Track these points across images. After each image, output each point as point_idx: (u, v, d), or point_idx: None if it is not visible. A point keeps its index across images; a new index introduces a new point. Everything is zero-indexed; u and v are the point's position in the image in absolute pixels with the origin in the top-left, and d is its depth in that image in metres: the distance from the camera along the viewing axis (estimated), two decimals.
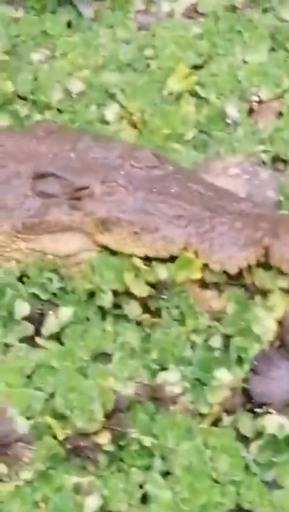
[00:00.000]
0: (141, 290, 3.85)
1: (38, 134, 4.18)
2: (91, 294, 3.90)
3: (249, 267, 3.81)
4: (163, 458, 3.58)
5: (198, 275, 3.85)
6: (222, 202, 3.89)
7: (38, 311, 3.87)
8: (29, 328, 3.84)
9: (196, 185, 3.97)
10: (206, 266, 3.83)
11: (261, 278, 3.84)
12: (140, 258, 3.89)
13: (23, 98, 4.71)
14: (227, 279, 3.87)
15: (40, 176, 3.94)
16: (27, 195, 3.94)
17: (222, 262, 3.78)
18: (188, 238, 3.81)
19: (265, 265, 3.82)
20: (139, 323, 3.89)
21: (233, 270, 3.79)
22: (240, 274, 3.85)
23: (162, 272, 3.86)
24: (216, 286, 3.87)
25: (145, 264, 3.88)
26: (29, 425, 3.52)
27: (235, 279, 3.86)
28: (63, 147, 4.09)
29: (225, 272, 3.83)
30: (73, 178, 3.94)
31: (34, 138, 4.16)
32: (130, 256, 3.89)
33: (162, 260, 3.88)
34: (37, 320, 3.87)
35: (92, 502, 3.40)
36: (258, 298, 3.89)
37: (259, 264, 3.82)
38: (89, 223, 3.90)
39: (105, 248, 3.93)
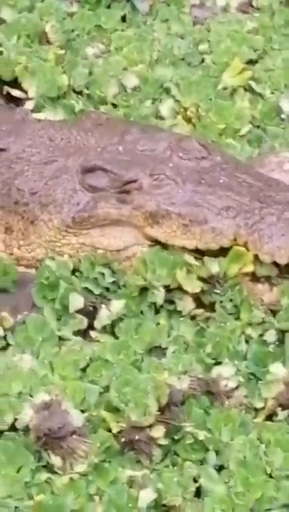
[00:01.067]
0: (193, 286, 3.85)
1: (86, 126, 4.21)
2: (143, 290, 3.90)
3: None
4: (217, 452, 3.58)
5: (250, 268, 3.86)
6: (271, 192, 3.90)
7: (91, 305, 3.86)
8: (83, 322, 3.84)
9: (245, 175, 3.98)
10: (256, 258, 3.82)
11: None
12: (191, 251, 3.89)
13: (78, 92, 4.72)
14: (278, 272, 3.85)
15: (89, 170, 3.95)
16: (76, 189, 3.95)
17: (272, 253, 3.78)
18: (238, 229, 3.82)
19: None
20: (193, 318, 3.88)
21: (283, 261, 3.79)
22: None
23: (214, 266, 3.85)
24: (268, 279, 3.86)
25: (196, 259, 3.87)
26: (84, 418, 3.51)
27: (286, 272, 3.83)
28: (111, 140, 4.10)
29: (276, 264, 3.81)
30: (121, 171, 3.95)
31: (82, 130, 4.18)
32: (181, 250, 3.89)
33: (214, 254, 3.87)
34: (90, 314, 3.86)
35: (147, 495, 3.39)
36: None
37: None
38: (138, 217, 3.91)
39: (156, 242, 3.93)
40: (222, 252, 3.86)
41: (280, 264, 3.81)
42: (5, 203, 4.01)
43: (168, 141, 4.05)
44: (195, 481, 3.50)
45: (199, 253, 3.89)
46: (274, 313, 3.86)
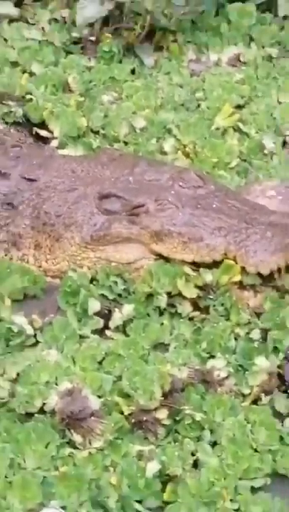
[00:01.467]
0: (191, 293, 3.87)
1: (102, 160, 4.20)
2: (150, 296, 3.91)
3: (279, 270, 3.81)
4: (211, 431, 3.58)
5: (238, 278, 3.86)
6: (255, 215, 3.90)
7: (106, 308, 3.87)
8: (100, 322, 3.84)
9: (234, 201, 3.99)
10: (243, 270, 3.83)
11: (287, 278, 3.85)
12: (189, 263, 3.90)
13: (95, 132, 4.71)
14: (262, 281, 3.86)
15: (104, 197, 3.96)
16: (93, 212, 3.96)
17: (256, 265, 3.79)
18: (228, 246, 3.83)
19: None
20: (191, 319, 3.89)
21: (265, 272, 3.80)
22: (272, 276, 3.85)
23: (208, 276, 3.87)
24: (253, 287, 3.86)
25: (194, 270, 3.88)
26: (100, 403, 3.52)
27: (268, 281, 3.86)
28: (123, 172, 4.08)
29: (260, 275, 3.81)
30: (131, 197, 3.95)
31: (99, 164, 4.16)
32: (181, 262, 3.90)
33: (208, 266, 3.88)
34: (105, 316, 3.87)
35: (153, 467, 3.39)
36: (288, 297, 3.88)
37: (288, 268, 3.83)
38: (145, 235, 3.91)
39: (160, 256, 3.94)
40: (215, 264, 3.87)
41: (263, 275, 3.79)
42: (35, 224, 4.00)
43: (170, 172, 4.05)
44: (193, 454, 3.50)
45: (196, 265, 3.89)
46: (258, 315, 3.87)
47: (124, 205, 3.96)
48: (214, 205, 3.96)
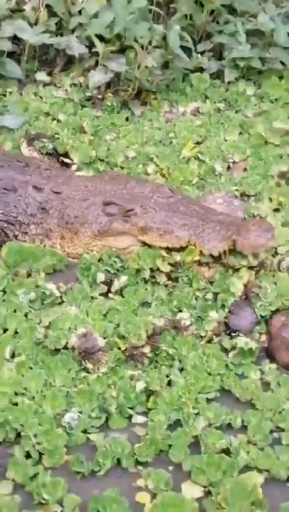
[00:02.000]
0: (166, 268, 3.84)
1: (105, 179, 4.17)
2: (138, 270, 3.86)
3: (224, 252, 3.77)
4: (180, 361, 3.57)
5: (197, 258, 3.83)
6: (208, 215, 3.88)
7: (109, 279, 3.86)
8: (104, 288, 3.82)
9: (194, 206, 3.96)
10: (201, 252, 3.79)
11: (231, 259, 3.81)
12: (164, 248, 3.87)
13: (101, 160, 4.64)
14: (213, 260, 3.83)
15: (107, 204, 3.94)
16: (99, 214, 3.93)
17: (209, 249, 3.76)
18: (190, 237, 3.80)
19: (234, 251, 3.78)
20: (166, 286, 3.86)
21: (215, 254, 3.77)
22: (220, 257, 3.80)
23: (177, 257, 3.85)
24: (207, 264, 3.84)
25: (167, 253, 3.85)
26: (105, 342, 3.50)
27: (217, 260, 3.81)
28: (119, 186, 4.05)
29: (211, 256, 3.79)
30: (125, 204, 3.93)
31: (103, 181, 4.14)
32: (159, 248, 3.87)
33: (177, 250, 3.85)
34: (108, 284, 3.85)
35: (140, 385, 3.40)
36: (231, 271, 3.85)
37: (230, 251, 3.78)
38: (134, 230, 3.89)
39: (144, 244, 3.90)
40: (182, 249, 3.83)
41: (214, 256, 3.78)
42: (60, 222, 3.99)
43: (151, 187, 4.03)
44: (167, 376, 3.49)
45: (169, 250, 3.85)
46: (211, 283, 3.84)
47: (120, 209, 3.93)
48: (181, 209, 3.92)
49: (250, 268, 3.85)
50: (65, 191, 4.06)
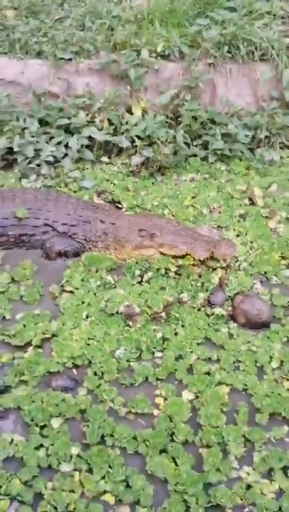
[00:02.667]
0: (173, 268, 3.81)
1: (140, 216, 4.16)
2: (158, 269, 3.81)
3: (207, 258, 3.74)
4: (182, 321, 3.56)
5: (191, 262, 3.80)
6: (198, 237, 3.83)
7: (141, 274, 3.81)
8: (139, 279, 3.78)
9: (190, 231, 3.92)
10: (194, 259, 3.76)
11: (210, 263, 3.79)
12: (173, 256, 3.83)
13: (138, 206, 4.53)
14: (201, 263, 3.80)
15: (140, 230, 3.92)
16: (136, 236, 3.90)
17: (198, 257, 3.72)
18: (187, 249, 3.76)
19: (212, 258, 3.75)
20: (174, 278, 3.81)
21: (202, 259, 3.73)
22: (204, 261, 3.77)
23: (180, 261, 3.82)
24: (197, 265, 3.81)
25: (174, 260, 3.83)
26: (139, 310, 3.50)
27: (203, 263, 3.78)
28: (147, 220, 4.03)
29: (200, 260, 3.75)
30: (150, 230, 3.91)
31: (139, 217, 4.11)
32: (169, 256, 3.84)
33: (180, 257, 3.82)
34: (141, 276, 3.80)
35: (159, 334, 3.44)
36: (211, 270, 3.82)
37: (210, 258, 3.75)
38: (156, 245, 3.85)
39: (161, 253, 3.86)
40: (183, 257, 3.81)
41: (201, 260, 3.76)
42: (114, 241, 3.97)
43: (166, 220, 4.05)
44: (174, 330, 3.50)
45: (176, 257, 3.82)
46: (200, 276, 3.80)
47: (147, 233, 3.89)
48: (182, 233, 3.87)
49: (222, 268, 3.83)
50: (117, 223, 4.04)
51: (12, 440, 2.87)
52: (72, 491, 2.67)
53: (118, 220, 4.05)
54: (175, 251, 3.82)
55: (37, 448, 2.84)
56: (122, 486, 2.71)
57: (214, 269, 3.81)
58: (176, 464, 2.81)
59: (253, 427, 3.04)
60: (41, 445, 2.86)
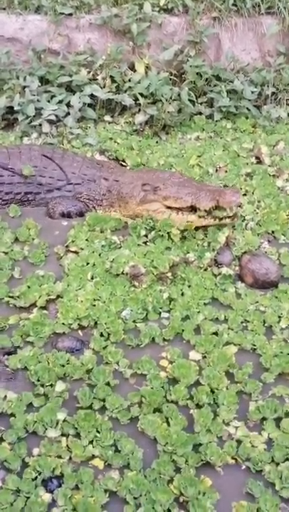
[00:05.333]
0: (176, 232, 3.67)
1: (143, 171, 4.03)
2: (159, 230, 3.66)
3: (212, 208, 3.61)
4: (188, 281, 3.45)
5: (194, 227, 3.70)
6: (202, 187, 3.72)
7: (146, 234, 3.67)
8: (145, 239, 3.65)
9: (194, 182, 3.82)
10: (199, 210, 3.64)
11: (216, 213, 3.62)
12: (177, 209, 3.69)
13: (143, 165, 4.37)
14: (207, 214, 3.64)
15: (144, 185, 3.77)
16: (140, 191, 3.75)
17: (204, 206, 3.59)
18: (192, 200, 3.62)
19: (218, 207, 3.61)
20: (180, 239, 3.66)
21: (207, 208, 3.60)
22: (210, 211, 3.62)
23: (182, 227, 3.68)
24: (199, 228, 3.70)
25: (182, 214, 3.70)
26: (145, 270, 3.37)
27: (209, 213, 3.63)
28: (150, 174, 3.89)
29: (205, 210, 3.61)
30: (154, 184, 3.75)
31: (142, 172, 3.98)
32: (175, 208, 3.70)
33: (187, 210, 3.69)
34: (147, 235, 3.67)
35: (165, 295, 3.34)
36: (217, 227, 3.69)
37: (216, 207, 3.61)
38: (160, 198, 3.69)
39: (167, 207, 3.70)
40: (192, 209, 3.67)
41: (207, 210, 3.63)
42: (118, 198, 3.86)
43: (169, 173, 3.94)
44: (181, 290, 3.40)
45: (181, 210, 3.69)
46: (206, 236, 3.69)
47: (151, 187, 3.74)
48: (186, 184, 3.73)
49: (229, 217, 3.64)
50: (121, 179, 3.89)
51: (5, 397, 2.79)
52: (60, 457, 2.57)
53: (121, 177, 3.92)
54: (180, 203, 3.66)
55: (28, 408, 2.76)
56: (110, 451, 2.60)
57: (221, 219, 3.64)
58: (169, 425, 2.70)
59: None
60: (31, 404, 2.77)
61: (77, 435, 2.66)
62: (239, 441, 2.69)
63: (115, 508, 2.43)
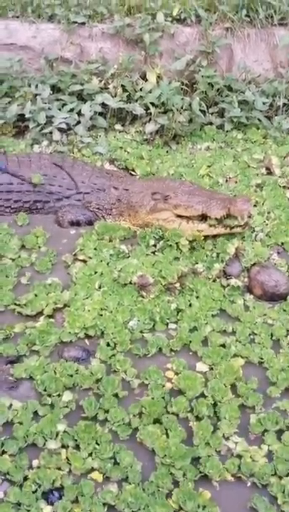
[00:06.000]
0: (184, 243, 3.66)
1: (152, 180, 3.99)
2: (170, 243, 3.63)
3: (223, 216, 3.59)
4: (196, 292, 3.41)
5: (203, 237, 3.68)
6: (213, 195, 3.71)
7: (154, 244, 3.65)
8: (153, 249, 3.62)
9: (205, 191, 3.81)
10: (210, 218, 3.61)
11: (227, 221, 3.61)
12: (187, 218, 3.66)
13: (153, 174, 4.35)
14: (217, 223, 3.62)
15: (153, 193, 3.74)
16: (150, 200, 3.73)
17: (215, 215, 3.56)
18: (203, 208, 3.59)
19: (229, 216, 3.59)
20: (188, 249, 3.64)
21: (218, 217, 3.57)
22: (221, 220, 3.60)
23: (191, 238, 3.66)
24: (208, 237, 3.68)
25: (188, 221, 3.68)
26: (153, 280, 3.33)
27: (220, 222, 3.61)
28: (160, 183, 3.86)
29: (216, 219, 3.60)
30: (164, 192, 3.72)
31: (151, 181, 3.94)
32: (185, 217, 3.67)
33: (197, 219, 3.66)
34: (155, 246, 3.65)
35: (173, 306, 3.30)
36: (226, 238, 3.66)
37: (227, 216, 3.58)
38: (170, 207, 3.66)
39: (178, 216, 3.68)
40: (202, 218, 3.65)
41: (218, 219, 3.61)
42: (128, 207, 3.82)
43: (179, 182, 3.93)
44: (189, 301, 3.36)
45: (191, 219, 3.66)
46: (215, 247, 3.66)
47: (161, 196, 3.71)
48: (197, 193, 3.70)
49: (240, 226, 3.63)
50: (130, 188, 3.87)
51: (11, 405, 2.77)
52: (59, 469, 2.54)
53: (131, 186, 3.89)
54: (190, 211, 3.63)
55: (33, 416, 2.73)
56: (109, 463, 2.57)
57: (232, 228, 3.62)
58: (168, 437, 2.66)
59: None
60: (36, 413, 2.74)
61: (77, 447, 2.63)
62: (239, 456, 2.66)
63: None
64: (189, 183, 3.84)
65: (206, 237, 3.65)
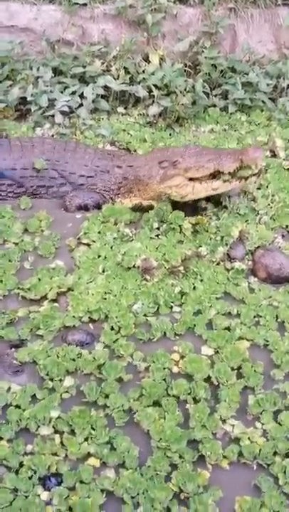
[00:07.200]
0: (187, 226, 3.60)
1: (155, 151, 3.89)
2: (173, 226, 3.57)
3: (237, 169, 3.54)
4: (200, 275, 3.36)
5: (205, 222, 3.63)
6: (222, 151, 3.67)
7: (159, 226, 3.58)
8: (157, 232, 3.56)
9: (212, 149, 3.77)
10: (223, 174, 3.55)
11: (241, 172, 3.54)
12: (198, 180, 3.58)
13: None
14: (231, 177, 3.57)
15: (160, 162, 3.66)
16: (158, 169, 3.65)
17: (228, 169, 3.51)
18: (214, 165, 3.53)
19: (242, 167, 3.53)
20: (192, 232, 3.58)
21: (231, 170, 3.52)
22: (234, 173, 3.55)
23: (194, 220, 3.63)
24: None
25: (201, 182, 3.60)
26: (157, 263, 3.29)
27: (233, 176, 3.56)
28: (165, 152, 3.77)
29: (229, 173, 3.54)
30: (171, 159, 3.64)
31: (154, 153, 3.86)
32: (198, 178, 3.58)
33: (209, 178, 3.58)
34: (158, 229, 3.58)
35: (177, 289, 3.25)
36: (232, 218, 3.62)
37: (240, 167, 3.53)
38: (181, 171, 3.57)
39: (190, 179, 3.58)
40: (213, 177, 3.58)
41: (231, 172, 3.56)
42: (136, 182, 3.74)
43: (184, 147, 3.88)
44: (193, 284, 3.32)
45: (204, 180, 3.59)
46: (219, 230, 3.60)
47: (169, 163, 3.63)
48: (204, 152, 3.62)
49: (255, 175, 3.58)
50: (135, 164, 3.79)
51: (9, 388, 2.76)
52: (55, 454, 2.53)
53: (135, 162, 3.82)
54: (202, 171, 3.55)
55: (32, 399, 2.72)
56: (106, 449, 2.56)
57: (246, 179, 3.56)
58: (165, 420, 2.66)
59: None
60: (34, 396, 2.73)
61: (72, 432, 2.61)
62: (237, 439, 2.66)
63: (113, 508, 2.39)
64: (194, 146, 3.78)
65: (209, 220, 3.62)
